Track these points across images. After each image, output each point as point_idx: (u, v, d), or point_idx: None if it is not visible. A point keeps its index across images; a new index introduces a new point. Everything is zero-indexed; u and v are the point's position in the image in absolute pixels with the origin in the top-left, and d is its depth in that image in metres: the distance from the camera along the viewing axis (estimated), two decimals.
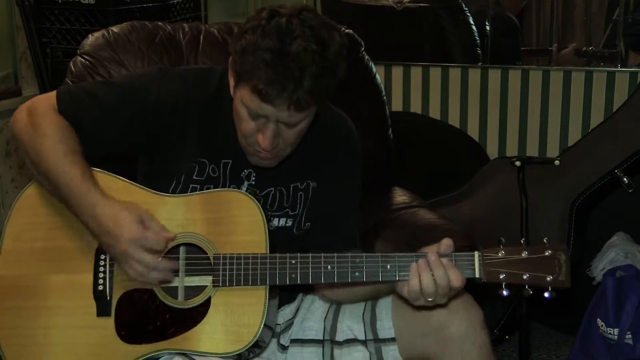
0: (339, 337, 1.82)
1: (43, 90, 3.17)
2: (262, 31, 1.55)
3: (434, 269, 1.58)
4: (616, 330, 2.64)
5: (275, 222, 1.81)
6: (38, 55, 3.16)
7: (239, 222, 1.68)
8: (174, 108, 1.75)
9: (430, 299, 1.59)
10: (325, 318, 1.84)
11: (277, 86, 1.54)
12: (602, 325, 2.69)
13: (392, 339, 1.76)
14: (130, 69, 2.34)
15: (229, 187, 1.77)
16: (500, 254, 1.59)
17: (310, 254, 1.66)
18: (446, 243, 1.61)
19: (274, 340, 1.88)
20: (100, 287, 1.69)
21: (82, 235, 1.70)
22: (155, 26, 2.46)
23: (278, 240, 1.72)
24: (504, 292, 1.58)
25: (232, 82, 1.68)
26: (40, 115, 1.71)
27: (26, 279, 1.72)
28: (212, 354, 1.64)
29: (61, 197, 1.68)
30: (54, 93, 1.77)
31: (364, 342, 1.79)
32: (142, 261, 1.61)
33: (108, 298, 1.69)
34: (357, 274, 1.63)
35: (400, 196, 2.62)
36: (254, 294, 1.66)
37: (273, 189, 1.80)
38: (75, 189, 1.65)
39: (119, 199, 1.68)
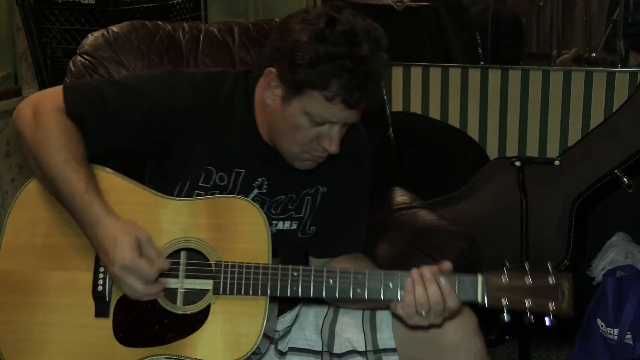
0: (337, 349, 1.80)
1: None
2: (332, 40, 1.57)
3: (427, 284, 1.56)
4: (616, 330, 2.64)
5: (279, 225, 1.80)
6: (38, 55, 3.16)
7: (242, 230, 1.67)
8: (184, 113, 1.72)
9: (423, 314, 1.57)
10: (322, 330, 1.82)
11: (361, 91, 1.59)
12: (602, 326, 2.69)
13: (393, 350, 1.74)
14: (130, 69, 2.34)
15: (237, 195, 1.74)
16: (503, 279, 1.57)
17: (312, 267, 1.64)
18: (446, 266, 1.60)
19: (272, 346, 1.87)
20: (100, 288, 1.68)
21: (82, 233, 1.68)
22: (155, 26, 2.46)
23: (281, 242, 1.71)
24: (505, 317, 1.57)
25: (277, 93, 1.65)
26: (45, 115, 1.67)
27: (24, 275, 1.71)
28: None
29: (63, 203, 1.67)
30: (59, 91, 1.71)
31: (363, 353, 1.77)
32: (133, 287, 1.60)
33: (107, 299, 1.68)
34: (359, 290, 1.61)
35: (400, 196, 2.62)
36: (254, 303, 1.64)
37: (283, 196, 1.79)
38: (78, 199, 1.62)
39: (122, 199, 1.67)
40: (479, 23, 3.68)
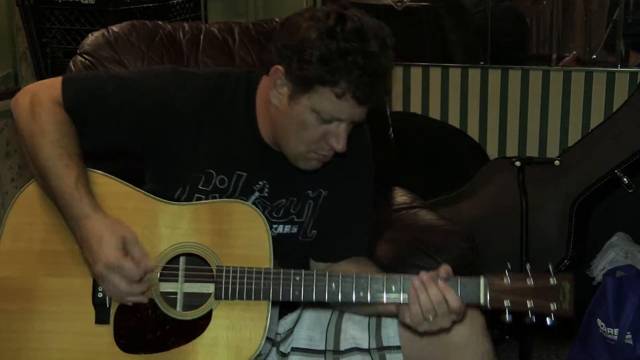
0: (342, 346, 1.79)
1: None
2: (343, 36, 1.56)
3: (428, 288, 1.58)
4: (616, 331, 2.64)
5: (280, 229, 1.79)
6: (38, 55, 3.16)
7: (243, 234, 1.66)
8: (184, 114, 1.70)
9: (431, 318, 1.58)
10: (327, 329, 1.81)
11: (370, 87, 1.58)
12: (602, 326, 2.69)
13: (397, 347, 1.74)
14: (130, 69, 2.34)
15: (237, 198, 1.73)
16: (505, 281, 1.59)
17: (314, 271, 1.64)
18: (445, 269, 1.60)
19: (274, 349, 1.85)
20: (100, 295, 1.66)
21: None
22: (155, 25, 2.46)
23: (281, 246, 1.70)
24: (507, 318, 1.59)
25: (284, 92, 1.64)
26: (42, 107, 1.65)
27: (22, 281, 1.69)
28: None
29: (53, 198, 1.65)
30: (59, 82, 1.69)
31: (367, 351, 1.76)
32: (116, 286, 1.60)
33: (107, 306, 1.66)
34: (361, 294, 1.61)
35: (400, 196, 2.62)
36: (256, 308, 1.64)
37: (285, 199, 1.78)
38: (67, 195, 1.61)
39: (120, 204, 1.66)
40: (479, 22, 3.67)
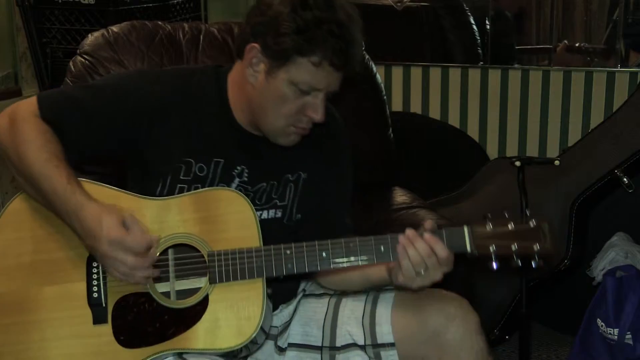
0: (338, 342, 1.81)
1: (43, 90, 3.17)
2: (316, 7, 1.64)
3: (414, 243, 1.63)
4: (616, 331, 2.64)
5: (264, 214, 1.82)
6: (38, 56, 3.17)
7: (230, 219, 1.70)
8: (155, 110, 1.75)
9: (422, 272, 1.62)
10: (324, 325, 1.83)
11: (346, 53, 1.65)
12: (602, 326, 2.69)
13: (392, 344, 1.75)
14: (130, 69, 2.34)
15: (218, 185, 1.77)
16: (488, 227, 1.65)
17: (304, 243, 1.67)
18: (429, 222, 1.67)
19: (271, 342, 1.87)
20: (95, 295, 1.68)
21: (71, 245, 1.69)
22: (155, 26, 2.46)
23: (269, 231, 1.73)
24: (494, 265, 1.64)
25: (260, 69, 1.69)
26: (22, 121, 1.70)
27: (16, 295, 1.69)
28: (214, 349, 1.65)
29: (47, 202, 1.68)
30: (34, 99, 1.76)
31: (362, 347, 1.78)
32: (123, 262, 1.61)
33: (103, 305, 1.68)
34: (352, 258, 1.65)
35: (400, 196, 2.62)
36: (251, 287, 1.67)
37: (265, 183, 1.82)
38: (61, 193, 1.64)
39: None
40: (478, 21, 3.68)
